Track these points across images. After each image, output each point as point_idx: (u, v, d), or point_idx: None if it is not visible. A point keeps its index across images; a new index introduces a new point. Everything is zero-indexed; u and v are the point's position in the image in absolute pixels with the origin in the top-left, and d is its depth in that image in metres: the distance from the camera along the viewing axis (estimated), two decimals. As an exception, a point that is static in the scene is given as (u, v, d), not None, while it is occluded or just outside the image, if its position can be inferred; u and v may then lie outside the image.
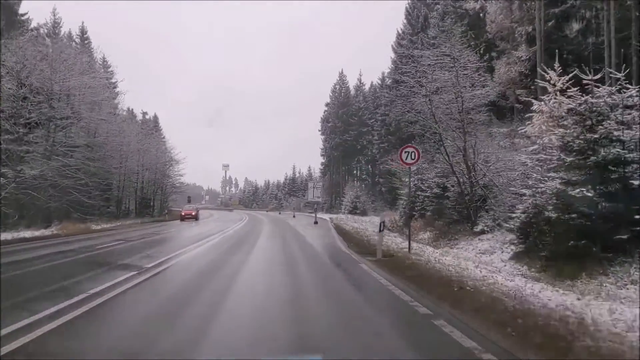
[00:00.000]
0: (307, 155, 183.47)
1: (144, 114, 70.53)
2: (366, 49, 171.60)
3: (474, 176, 17.06)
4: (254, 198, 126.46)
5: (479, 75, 17.13)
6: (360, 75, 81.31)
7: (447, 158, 16.68)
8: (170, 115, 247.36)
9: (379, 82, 77.33)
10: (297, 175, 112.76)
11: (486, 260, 11.78)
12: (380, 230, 10.23)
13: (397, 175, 28.62)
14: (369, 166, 76.02)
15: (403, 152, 10.97)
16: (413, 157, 10.93)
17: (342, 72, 76.86)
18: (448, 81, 16.64)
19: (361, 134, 72.78)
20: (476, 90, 16.75)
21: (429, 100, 16.29)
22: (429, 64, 16.62)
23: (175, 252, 11.50)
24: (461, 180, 17.08)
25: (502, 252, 12.40)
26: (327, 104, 78.06)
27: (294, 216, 47.72)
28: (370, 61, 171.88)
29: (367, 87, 79.89)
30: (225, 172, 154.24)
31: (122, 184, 46.32)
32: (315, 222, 29.94)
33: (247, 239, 17.18)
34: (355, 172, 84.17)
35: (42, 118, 32.76)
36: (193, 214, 41.28)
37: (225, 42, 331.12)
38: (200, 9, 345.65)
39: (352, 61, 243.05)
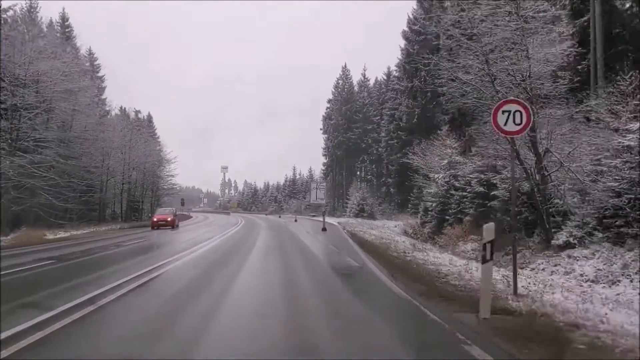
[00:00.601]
0: (308, 157, 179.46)
1: (137, 112, 66.00)
2: (367, 48, 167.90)
3: (545, 167, 12.45)
4: (253, 200, 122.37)
5: (549, 30, 12.56)
6: (365, 70, 76.59)
7: (511, 141, 12.02)
8: (170, 117, 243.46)
9: (385, 77, 72.98)
10: (298, 177, 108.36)
11: (611, 297, 7.19)
12: (486, 260, 5.23)
13: (421, 172, 23.97)
14: (374, 166, 71.35)
15: (499, 113, 6.03)
16: (519, 119, 6.04)
17: (345, 67, 72.34)
18: (509, 38, 12.06)
19: (366, 132, 68.24)
20: (547, 50, 12.15)
21: (486, 60, 11.69)
22: (484, 14, 12.02)
23: (98, 289, 6.52)
24: (529, 172, 12.45)
25: (632, 282, 7.83)
26: (329, 101, 73.58)
27: (295, 220, 42.75)
28: (373, 60, 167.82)
29: (371, 82, 75.58)
30: (224, 174, 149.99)
31: (104, 185, 41.67)
32: (324, 229, 24.57)
33: (231, 260, 11.92)
34: (359, 172, 79.56)
35: (4, 107, 28.30)
36: (168, 220, 31.32)
37: (225, 41, 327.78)
38: (201, 9, 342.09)
39: (353, 60, 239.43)
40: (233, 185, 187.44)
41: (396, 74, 55.16)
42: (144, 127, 51.34)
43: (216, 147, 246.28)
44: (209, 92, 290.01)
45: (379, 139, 64.84)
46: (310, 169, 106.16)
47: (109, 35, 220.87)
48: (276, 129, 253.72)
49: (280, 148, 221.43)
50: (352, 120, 68.96)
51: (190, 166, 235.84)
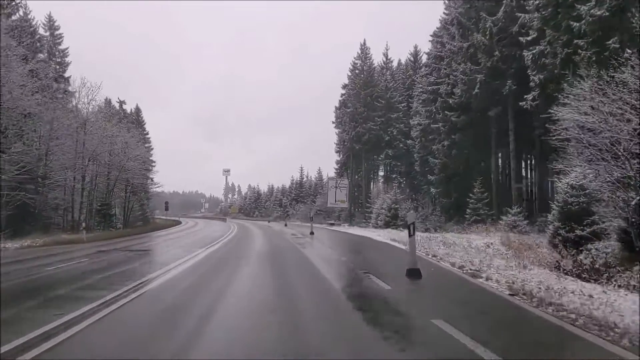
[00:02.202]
0: (315, 158, 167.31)
1: (122, 102, 54.39)
2: (376, 47, 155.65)
3: None
4: (255, 205, 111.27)
5: None
6: (387, 49, 64.03)
7: None
8: (172, 121, 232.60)
9: (411, 57, 61.04)
10: (305, 179, 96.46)
11: None
12: None
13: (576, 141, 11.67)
14: (399, 162, 59.08)
15: None
16: None
17: (364, 44, 60.14)
18: None
19: (389, 122, 56.06)
20: None
21: None
22: None
23: None
24: None
25: None
26: (344, 86, 61.46)
27: (311, 233, 29.24)
28: (392, 45, 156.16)
29: (394, 64, 63.59)
30: (226, 177, 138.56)
31: (41, 182, 29.80)
32: (415, 273, 8.92)
33: None
34: (376, 172, 67.34)
35: None
36: None
37: (227, 44, 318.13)
38: (202, 8, 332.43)
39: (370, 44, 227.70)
40: (237, 189, 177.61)
41: (432, 46, 43.20)
42: (104, 107, 39.13)
43: (220, 151, 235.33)
44: (212, 95, 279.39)
45: (405, 130, 52.85)
46: (319, 169, 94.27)
47: (109, 36, 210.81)
48: (282, 130, 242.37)
49: (285, 150, 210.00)
50: (373, 107, 56.83)
51: (193, 170, 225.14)
